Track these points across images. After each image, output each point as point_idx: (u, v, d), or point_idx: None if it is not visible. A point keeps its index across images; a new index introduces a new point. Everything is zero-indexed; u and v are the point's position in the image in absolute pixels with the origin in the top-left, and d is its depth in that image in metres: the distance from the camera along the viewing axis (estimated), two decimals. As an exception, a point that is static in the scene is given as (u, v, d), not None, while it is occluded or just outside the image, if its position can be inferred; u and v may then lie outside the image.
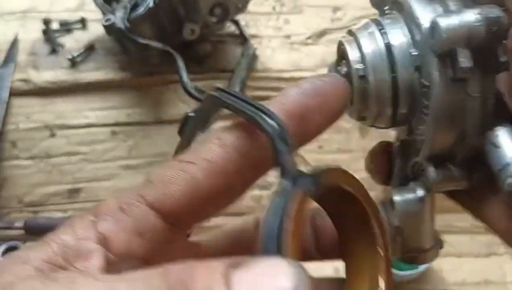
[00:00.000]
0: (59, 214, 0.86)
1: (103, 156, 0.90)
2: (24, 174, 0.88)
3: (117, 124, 0.93)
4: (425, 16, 0.37)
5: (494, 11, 0.35)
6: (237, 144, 0.35)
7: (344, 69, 0.39)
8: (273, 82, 0.97)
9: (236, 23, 0.99)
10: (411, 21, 0.38)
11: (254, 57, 0.98)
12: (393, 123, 0.39)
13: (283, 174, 0.31)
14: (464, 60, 0.35)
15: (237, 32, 1.00)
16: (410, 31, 0.38)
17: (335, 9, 1.03)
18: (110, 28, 0.88)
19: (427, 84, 0.37)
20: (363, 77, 0.38)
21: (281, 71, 0.98)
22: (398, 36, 0.38)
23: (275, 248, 0.28)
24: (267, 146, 0.34)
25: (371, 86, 0.38)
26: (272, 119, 0.32)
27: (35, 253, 0.31)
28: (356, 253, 0.34)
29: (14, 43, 0.98)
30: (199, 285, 0.26)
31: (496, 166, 0.36)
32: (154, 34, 0.89)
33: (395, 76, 0.38)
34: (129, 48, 0.92)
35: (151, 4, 0.86)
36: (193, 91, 0.87)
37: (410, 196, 0.40)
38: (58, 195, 0.87)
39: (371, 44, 0.38)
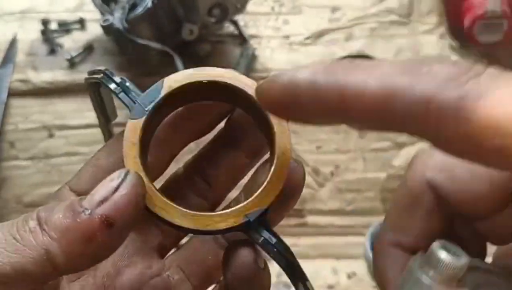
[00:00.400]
0: (58, 215, 0.86)
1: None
2: (23, 175, 0.88)
3: (116, 124, 0.92)
4: None
5: None
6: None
7: None
8: (272, 83, 0.97)
9: (235, 23, 0.99)
10: None
11: (253, 58, 0.98)
12: None
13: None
14: None
15: (236, 32, 1.00)
16: None
17: (334, 9, 1.03)
18: (108, 29, 0.88)
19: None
20: None
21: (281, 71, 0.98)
22: None
23: None
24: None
25: None
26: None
27: None
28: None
29: (12, 43, 0.97)
30: None
31: None
32: (153, 35, 0.89)
33: None
34: (127, 49, 0.92)
35: (149, 5, 0.86)
36: (192, 92, 0.87)
37: None
38: (57, 196, 0.87)
39: None
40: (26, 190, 0.87)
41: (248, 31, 1.00)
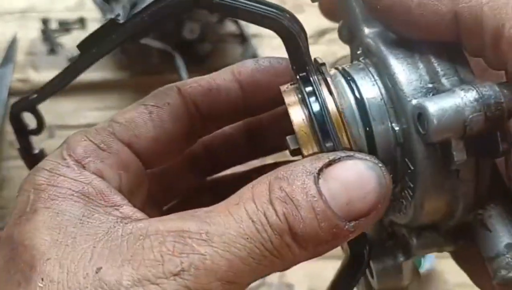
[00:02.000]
0: (58, 215, 0.85)
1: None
2: (23, 175, 0.87)
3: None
4: (410, 88, 0.31)
5: (493, 93, 0.29)
6: (193, 91, 0.39)
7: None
8: (273, 82, 0.97)
9: (237, 22, 0.99)
10: (390, 84, 0.32)
11: (254, 57, 0.98)
12: None
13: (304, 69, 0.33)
14: (459, 152, 0.30)
15: (237, 31, 1.00)
16: (388, 91, 0.32)
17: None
18: (109, 28, 0.88)
19: (412, 167, 0.32)
20: None
21: (282, 71, 0.98)
22: (373, 93, 0.33)
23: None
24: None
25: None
26: (286, 18, 0.33)
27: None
28: None
29: (12, 43, 0.97)
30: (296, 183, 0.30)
31: (487, 252, 0.32)
32: (154, 34, 0.89)
33: (371, 133, 0.33)
34: (128, 48, 0.91)
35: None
36: (193, 91, 0.87)
37: (389, 262, 0.37)
38: (57, 196, 0.87)
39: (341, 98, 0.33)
40: (26, 191, 0.87)
41: (249, 30, 1.00)
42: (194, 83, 0.39)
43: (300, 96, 0.33)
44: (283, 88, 0.35)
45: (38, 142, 0.95)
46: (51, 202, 0.32)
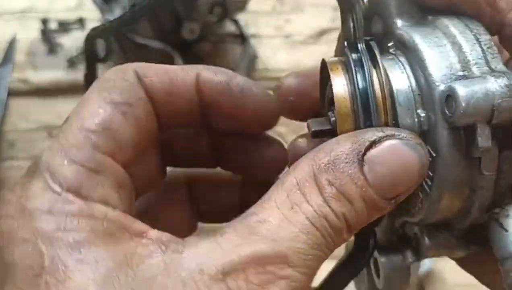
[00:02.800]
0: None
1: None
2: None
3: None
4: (439, 74, 0.31)
5: None
6: (157, 88, 0.35)
7: (333, 117, 0.34)
8: (273, 82, 0.97)
9: (236, 22, 0.99)
10: (420, 71, 0.32)
11: (254, 57, 0.97)
12: None
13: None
14: (484, 138, 0.30)
15: (237, 31, 0.99)
16: (417, 79, 0.33)
17: (336, 8, 1.02)
18: (109, 28, 0.88)
19: (433, 154, 0.32)
20: None
21: (282, 71, 0.98)
22: (401, 80, 0.33)
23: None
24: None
25: None
26: None
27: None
28: None
29: (12, 43, 0.97)
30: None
31: (501, 252, 0.32)
32: (153, 34, 0.89)
33: (396, 118, 0.33)
34: (127, 48, 0.91)
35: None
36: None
37: (397, 260, 0.37)
38: (56, 196, 0.87)
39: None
40: (25, 191, 0.87)
41: (249, 30, 1.00)
42: (155, 77, 0.35)
43: (345, 66, 0.34)
44: (327, 59, 0.35)
45: (37, 141, 0.95)
46: (79, 252, 0.27)
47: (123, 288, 0.26)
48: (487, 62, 0.31)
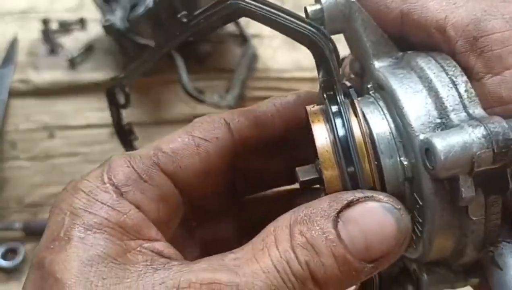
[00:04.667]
0: (58, 215, 0.85)
1: (102, 157, 0.89)
2: (24, 175, 0.88)
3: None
4: (418, 122, 0.31)
5: (502, 129, 0.29)
6: (241, 126, 0.39)
7: (320, 165, 0.34)
8: (273, 82, 0.97)
9: (236, 23, 0.99)
10: (398, 118, 0.32)
11: (254, 57, 0.98)
12: None
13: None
14: (467, 189, 0.30)
15: (237, 32, 1.00)
16: (396, 125, 0.33)
17: (336, 8, 1.03)
18: (109, 29, 0.88)
19: (420, 203, 0.32)
20: None
21: (282, 71, 0.98)
22: (382, 126, 0.33)
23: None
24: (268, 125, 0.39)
25: None
26: (313, 27, 0.33)
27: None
28: None
29: (13, 44, 0.97)
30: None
31: None
32: (154, 34, 0.89)
33: (379, 166, 0.33)
34: (128, 49, 0.91)
35: (150, 4, 0.85)
36: (192, 92, 0.87)
37: None
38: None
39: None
40: (27, 191, 0.87)
41: (249, 31, 1.00)
42: (241, 117, 0.39)
43: (325, 116, 0.34)
44: (308, 108, 0.35)
45: (38, 141, 0.95)
46: (86, 232, 0.32)
47: (96, 275, 0.31)
48: (465, 107, 0.31)
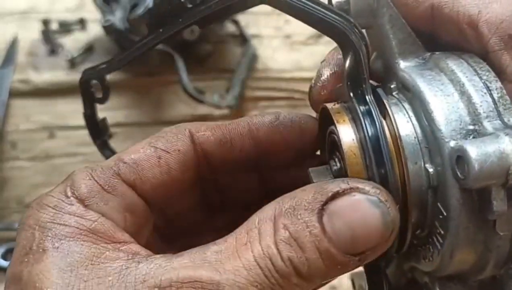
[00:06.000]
0: (59, 215, 0.85)
1: (102, 157, 0.90)
2: (24, 175, 0.88)
3: (116, 124, 0.92)
4: (449, 128, 0.29)
5: None
6: (206, 140, 0.39)
7: (336, 165, 0.33)
8: (273, 82, 0.97)
9: (236, 23, 0.99)
10: (426, 122, 0.30)
11: (254, 57, 0.98)
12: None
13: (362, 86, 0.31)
14: (499, 202, 0.28)
15: (237, 32, 1.00)
16: (423, 129, 0.30)
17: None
18: (109, 29, 0.88)
19: (444, 213, 0.30)
20: None
21: (282, 71, 0.98)
22: (407, 130, 0.31)
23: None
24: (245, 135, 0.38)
25: None
26: (342, 18, 0.31)
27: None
28: None
29: (13, 44, 0.97)
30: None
31: None
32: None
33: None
34: (128, 49, 0.91)
35: (150, 5, 0.85)
36: (193, 92, 0.87)
37: None
38: (58, 196, 0.87)
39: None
40: (27, 191, 0.87)
41: (249, 31, 1.00)
42: (208, 131, 0.39)
43: (351, 115, 0.32)
44: (329, 105, 0.34)
45: (38, 142, 0.95)
46: (59, 242, 0.32)
47: (77, 278, 0.31)
48: (499, 115, 0.29)
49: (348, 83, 0.32)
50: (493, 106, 0.29)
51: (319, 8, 0.31)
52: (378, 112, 0.31)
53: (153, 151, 0.37)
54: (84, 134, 0.91)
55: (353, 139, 0.31)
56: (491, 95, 0.30)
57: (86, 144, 0.90)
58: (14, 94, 0.93)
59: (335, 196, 0.30)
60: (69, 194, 0.34)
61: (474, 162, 0.27)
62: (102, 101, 0.43)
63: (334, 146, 0.33)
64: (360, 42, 0.31)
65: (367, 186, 0.30)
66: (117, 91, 0.94)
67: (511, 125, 0.29)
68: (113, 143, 0.92)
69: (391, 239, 0.31)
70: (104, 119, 0.45)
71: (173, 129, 0.39)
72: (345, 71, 0.32)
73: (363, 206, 0.30)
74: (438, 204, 0.30)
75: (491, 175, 0.27)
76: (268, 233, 0.30)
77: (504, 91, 0.30)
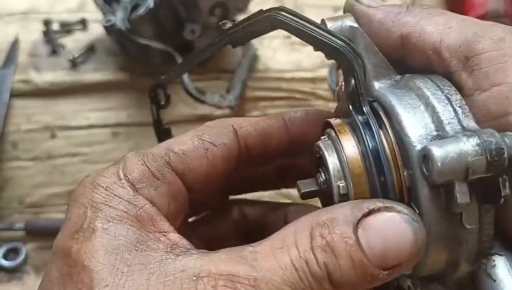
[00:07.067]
0: (59, 215, 0.86)
1: (103, 157, 0.90)
2: (25, 175, 0.88)
3: (117, 125, 0.93)
4: (416, 134, 0.33)
5: (495, 140, 0.31)
6: (248, 135, 0.42)
7: (322, 177, 0.37)
8: (274, 82, 0.97)
9: (237, 23, 0.99)
10: (398, 132, 0.34)
11: (254, 58, 0.98)
12: None
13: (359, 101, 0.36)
14: (462, 195, 0.32)
15: (237, 32, 1.00)
16: (397, 139, 0.34)
17: (336, 9, 1.03)
18: (110, 29, 0.88)
19: (417, 211, 0.33)
20: (344, 195, 0.35)
21: (282, 72, 0.98)
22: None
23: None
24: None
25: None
26: (343, 42, 0.35)
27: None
28: None
29: (14, 44, 0.97)
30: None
31: None
32: (155, 35, 0.89)
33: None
34: (129, 49, 0.92)
35: (151, 5, 0.86)
36: (193, 92, 0.87)
37: None
38: (58, 196, 0.87)
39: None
40: (28, 191, 0.87)
41: (249, 31, 1.00)
42: (249, 127, 0.42)
43: (351, 128, 0.36)
44: (332, 120, 0.38)
45: (40, 142, 0.96)
46: (109, 224, 0.35)
47: (122, 262, 0.33)
48: (459, 121, 0.34)
49: (350, 99, 0.36)
50: (453, 114, 0.34)
51: (323, 33, 0.35)
52: (375, 121, 0.35)
53: (200, 143, 0.40)
54: (85, 134, 0.92)
55: (354, 147, 0.36)
56: (452, 105, 0.34)
57: (87, 144, 0.91)
58: (15, 94, 0.93)
59: (371, 212, 0.33)
60: (122, 176, 0.37)
61: (437, 159, 0.31)
62: (166, 106, 0.48)
63: (320, 160, 0.38)
64: (357, 63, 0.35)
65: (400, 206, 0.33)
66: (118, 91, 0.95)
67: (470, 128, 0.33)
68: (113, 144, 0.93)
69: (419, 256, 0.33)
70: (169, 128, 0.50)
71: (218, 123, 0.42)
72: (347, 89, 0.36)
73: (397, 223, 0.33)
74: (412, 204, 0.34)
75: (452, 170, 0.31)
76: (305, 240, 0.33)
77: (463, 101, 0.34)
